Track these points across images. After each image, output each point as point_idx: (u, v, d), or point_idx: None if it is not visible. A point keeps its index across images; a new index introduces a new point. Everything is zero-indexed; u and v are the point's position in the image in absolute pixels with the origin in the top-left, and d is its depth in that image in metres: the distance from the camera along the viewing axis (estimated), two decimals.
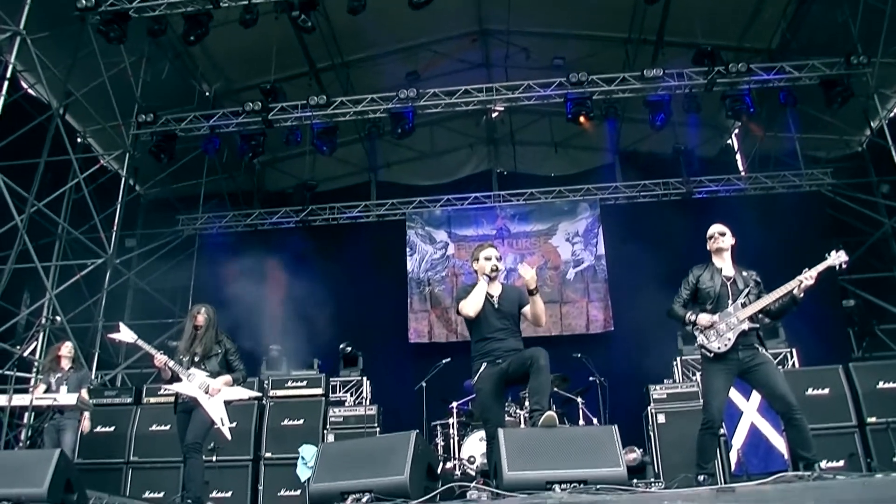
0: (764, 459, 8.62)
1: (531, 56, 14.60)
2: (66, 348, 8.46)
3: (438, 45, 14.91)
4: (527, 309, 5.78)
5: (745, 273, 5.63)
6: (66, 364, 8.34)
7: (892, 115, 13.56)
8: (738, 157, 16.50)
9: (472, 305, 5.67)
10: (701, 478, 5.17)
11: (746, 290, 5.46)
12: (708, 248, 5.80)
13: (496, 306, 5.74)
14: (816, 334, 10.56)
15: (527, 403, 8.13)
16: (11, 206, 10.37)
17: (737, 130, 16.21)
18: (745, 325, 5.36)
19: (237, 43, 13.42)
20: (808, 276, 5.21)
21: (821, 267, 5.29)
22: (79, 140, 13.67)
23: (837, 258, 5.32)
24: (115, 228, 12.96)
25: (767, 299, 5.37)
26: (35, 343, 11.66)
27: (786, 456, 8.51)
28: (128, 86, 12.96)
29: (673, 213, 14.30)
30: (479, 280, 5.81)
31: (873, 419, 8.28)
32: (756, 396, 8.72)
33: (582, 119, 13.20)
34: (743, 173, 15.70)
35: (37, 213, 11.53)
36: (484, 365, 5.60)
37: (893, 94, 13.40)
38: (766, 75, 12.84)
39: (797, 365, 9.69)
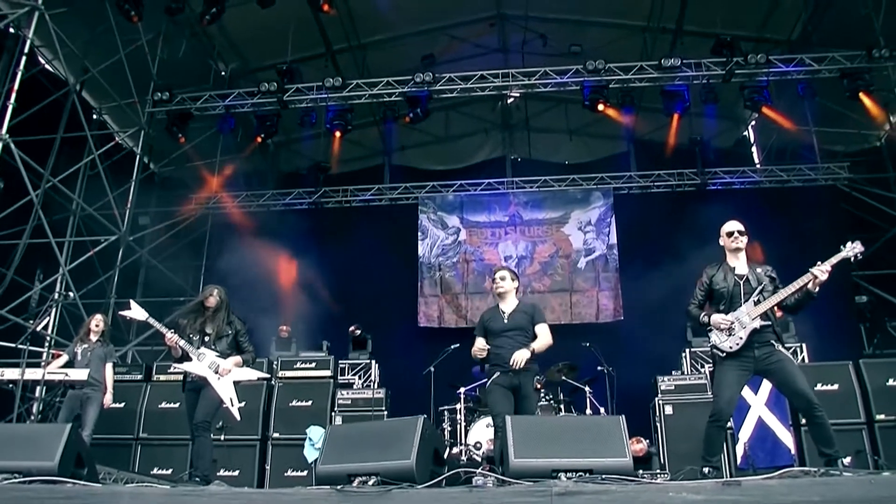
0: (770, 454, 8.62)
1: (548, 42, 14.50)
2: (96, 321, 8.46)
3: (455, 29, 14.84)
4: (538, 328, 6.22)
5: (759, 269, 5.53)
6: (94, 337, 8.36)
7: None
8: (753, 149, 16.37)
9: (475, 354, 6.23)
10: (706, 470, 5.17)
11: (760, 288, 5.38)
12: (723, 244, 5.68)
13: (505, 321, 6.21)
14: (827, 330, 10.52)
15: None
16: (27, 182, 10.42)
17: (753, 122, 16.08)
18: (757, 324, 5.30)
19: (254, 23, 13.40)
20: (822, 270, 5.14)
21: (834, 259, 5.21)
22: (94, 117, 13.68)
23: (852, 249, 5.22)
24: (128, 206, 13.00)
25: (779, 296, 5.31)
26: (47, 318, 11.74)
27: (792, 451, 8.52)
28: (144, 63, 12.97)
29: (687, 204, 14.23)
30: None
31: (882, 416, 8.26)
32: (764, 390, 8.71)
33: (601, 107, 13.14)
34: (758, 165, 15.59)
35: (52, 188, 11.58)
36: (497, 373, 6.06)
37: None
38: (786, 67, 12.71)
39: (807, 360, 9.68)
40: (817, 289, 5.20)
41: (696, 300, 5.67)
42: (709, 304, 5.63)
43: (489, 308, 6.52)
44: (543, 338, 6.16)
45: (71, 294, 11.49)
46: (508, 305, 6.31)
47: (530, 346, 6.02)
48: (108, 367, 8.28)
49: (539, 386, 6.07)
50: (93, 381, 7.97)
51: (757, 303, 5.34)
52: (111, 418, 9.30)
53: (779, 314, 5.69)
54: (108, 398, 8.31)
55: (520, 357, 5.88)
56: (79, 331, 8.64)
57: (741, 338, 5.32)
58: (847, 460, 5.62)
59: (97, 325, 8.44)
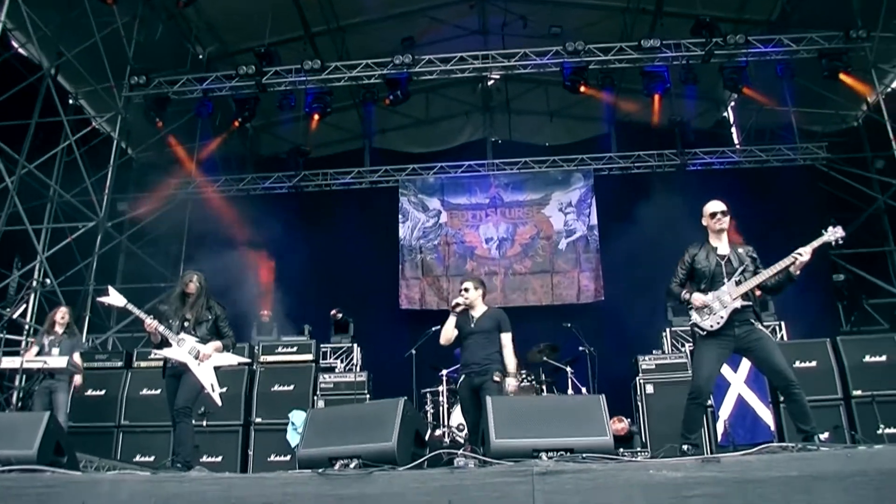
0: (750, 431, 8.71)
1: (529, 24, 14.46)
2: (61, 314, 8.47)
3: (435, 10, 14.74)
4: (503, 338, 6.69)
5: (740, 250, 5.56)
6: (59, 329, 8.36)
7: (889, 90, 13.52)
8: (733, 129, 16.45)
9: (442, 336, 6.84)
10: (686, 447, 5.21)
11: (741, 268, 5.41)
12: (706, 224, 5.68)
13: (472, 325, 6.71)
14: (806, 308, 10.61)
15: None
16: (2, 168, 10.30)
17: (733, 103, 16.14)
18: (738, 304, 5.34)
19: (232, 5, 13.30)
20: (803, 252, 5.18)
21: (816, 243, 5.24)
22: (70, 101, 13.53)
23: (833, 234, 5.25)
24: (106, 191, 12.88)
25: (761, 277, 5.34)
26: (25, 306, 11.64)
27: (772, 427, 8.62)
28: (120, 47, 12.82)
29: (667, 184, 14.28)
30: (451, 314, 6.79)
31: (859, 392, 8.36)
32: (744, 368, 8.80)
33: (583, 88, 13.15)
34: (738, 146, 15.67)
35: (28, 175, 11.45)
36: (463, 376, 6.65)
37: (891, 70, 13.35)
38: (764, 48, 12.77)
39: (786, 338, 9.77)
40: (798, 271, 5.24)
41: (677, 278, 5.69)
42: (690, 283, 5.65)
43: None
44: (509, 351, 6.65)
45: (48, 281, 11.39)
46: (477, 311, 6.80)
47: (511, 373, 6.57)
48: (76, 356, 8.28)
49: (497, 379, 6.44)
50: (60, 372, 7.98)
51: (738, 283, 5.37)
52: (92, 406, 9.29)
53: (758, 294, 5.72)
54: (78, 378, 8.31)
55: (513, 389, 6.54)
56: (44, 324, 8.62)
57: (722, 317, 5.36)
58: (824, 436, 5.69)
59: (62, 318, 8.43)
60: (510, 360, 6.59)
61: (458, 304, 6.74)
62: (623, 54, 13.03)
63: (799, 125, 14.48)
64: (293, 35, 14.47)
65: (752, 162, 14.79)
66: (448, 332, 6.76)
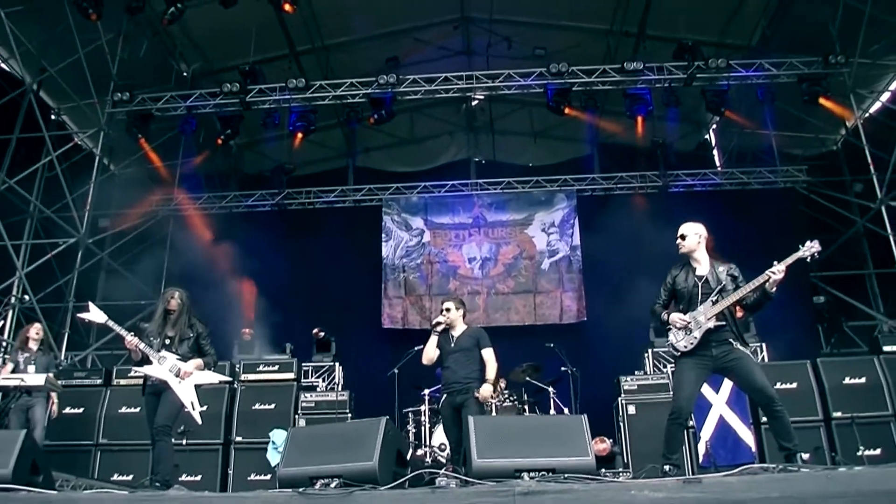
0: (732, 451, 8.73)
1: (513, 45, 14.58)
2: (35, 330, 8.38)
3: (420, 31, 14.82)
4: (484, 353, 6.93)
5: (721, 268, 5.58)
6: (34, 346, 8.26)
7: (867, 114, 13.71)
8: (714, 152, 16.60)
9: (425, 356, 7.10)
10: (667, 468, 5.22)
11: (719, 288, 5.44)
12: None
13: (452, 345, 6.97)
14: (786, 330, 10.69)
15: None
16: None
17: (715, 126, 16.31)
18: (712, 324, 5.37)
19: (217, 22, 13.28)
20: (777, 270, 5.21)
21: (790, 259, 5.27)
22: (52, 117, 13.46)
23: (809, 249, 5.28)
24: (87, 208, 12.80)
25: (735, 296, 5.36)
26: (3, 322, 11.51)
27: (753, 449, 8.64)
28: (104, 63, 12.78)
29: (649, 205, 14.39)
30: (432, 334, 7.06)
31: (839, 413, 8.43)
32: (725, 390, 8.83)
33: (567, 110, 13.26)
34: (719, 168, 15.80)
35: (8, 190, 11.38)
36: (445, 395, 6.92)
37: (869, 95, 13.54)
38: (746, 72, 12.93)
39: (766, 359, 9.81)
40: (774, 288, 5.26)
41: (660, 300, 5.75)
42: (673, 303, 5.69)
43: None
44: (491, 364, 6.87)
45: (27, 297, 11.28)
46: (457, 330, 7.06)
47: (489, 380, 6.79)
48: (51, 375, 8.15)
49: (477, 394, 6.69)
50: (37, 390, 7.89)
51: (714, 303, 5.41)
52: (70, 424, 9.17)
53: (740, 314, 5.75)
54: (54, 408, 8.27)
55: (487, 394, 6.72)
56: (18, 339, 8.52)
57: (695, 337, 5.41)
58: (805, 456, 5.71)
59: (37, 334, 8.34)
60: (491, 371, 6.81)
61: (438, 324, 6.98)
62: (606, 76, 13.15)
63: (779, 148, 14.64)
64: (278, 53, 14.48)
65: (733, 184, 14.91)
66: (430, 352, 6.96)
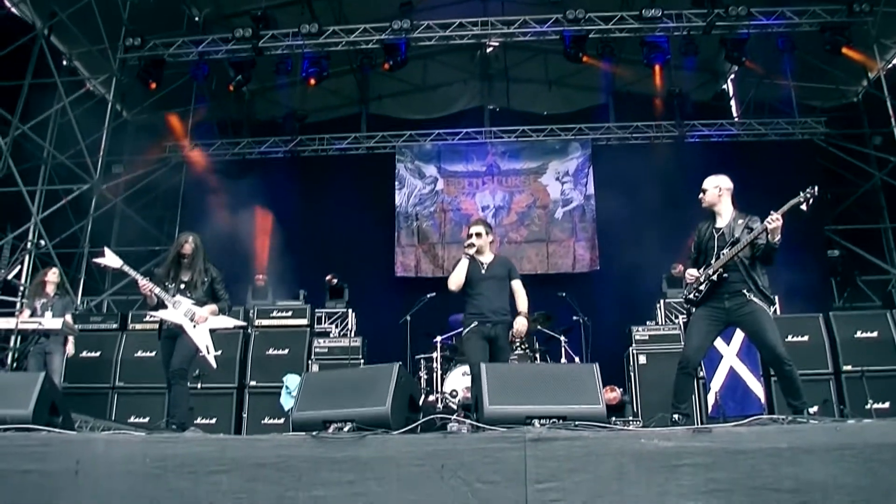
0: (741, 403, 8.78)
1: None
2: (53, 274, 8.46)
3: None
4: (514, 284, 6.56)
5: (740, 221, 5.50)
6: (51, 290, 8.35)
7: (890, 65, 13.44)
8: (732, 102, 16.37)
9: (452, 281, 6.49)
10: (675, 416, 5.26)
11: (732, 241, 5.40)
12: None
13: (483, 272, 6.46)
14: (800, 283, 10.63)
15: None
16: None
17: (733, 75, 16.05)
18: (715, 276, 5.36)
19: None
20: (773, 219, 5.14)
21: (785, 207, 5.18)
22: (64, 63, 13.37)
23: (804, 195, 5.19)
24: (101, 154, 12.81)
25: (738, 247, 5.32)
26: (20, 267, 11.61)
27: (762, 400, 8.68)
28: (115, 8, 12.66)
29: (664, 156, 14.26)
30: (462, 257, 6.49)
31: (849, 367, 8.46)
32: (736, 341, 8.84)
33: (585, 59, 13.07)
34: (736, 119, 15.61)
35: (21, 136, 11.37)
36: (475, 323, 6.31)
37: (893, 45, 13.24)
38: (766, 20, 12.67)
39: (779, 312, 9.79)
40: (777, 237, 5.19)
41: (691, 257, 5.74)
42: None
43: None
44: (523, 296, 6.54)
45: (43, 243, 11.36)
46: (486, 257, 6.56)
47: (523, 313, 6.43)
48: (68, 318, 8.26)
49: (513, 338, 6.43)
50: (54, 333, 7.99)
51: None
52: (87, 367, 9.32)
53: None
54: (70, 348, 8.34)
55: (522, 329, 6.37)
56: (31, 286, 8.59)
57: (701, 290, 5.42)
58: (814, 409, 5.74)
59: (55, 278, 8.40)
60: (524, 302, 6.52)
61: (471, 245, 6.46)
62: (624, 23, 12.92)
63: (798, 99, 14.42)
64: None
65: (750, 135, 14.75)
66: (459, 277, 6.43)
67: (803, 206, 5.23)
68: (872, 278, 13.61)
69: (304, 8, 14.29)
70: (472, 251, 6.43)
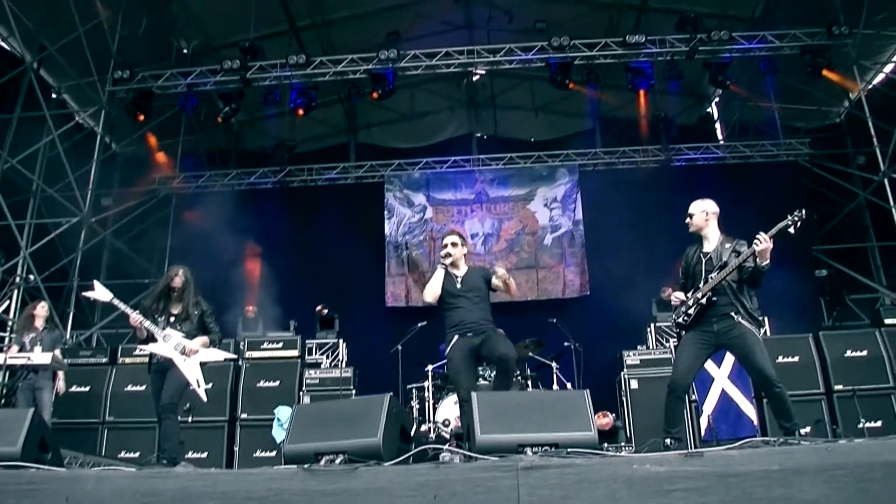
0: (733, 425, 8.78)
1: (514, 19, 14.46)
2: (41, 308, 8.41)
3: (420, 5, 14.70)
4: (495, 282, 6.33)
5: (727, 245, 5.56)
6: (39, 324, 8.30)
7: (870, 86, 13.63)
8: (717, 125, 16.54)
9: (429, 292, 6.37)
10: (668, 441, 5.26)
11: (720, 265, 5.45)
12: None
13: (458, 286, 6.30)
14: (789, 303, 10.70)
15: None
16: None
17: (717, 99, 16.23)
18: (704, 300, 5.40)
19: None
20: (761, 239, 5.18)
21: (774, 230, 5.24)
22: (53, 96, 13.41)
23: (792, 218, 5.25)
24: (90, 187, 12.79)
25: (726, 272, 5.37)
26: (8, 302, 11.55)
27: (755, 422, 8.69)
28: (104, 41, 12.71)
29: (651, 180, 14.36)
30: (438, 267, 6.38)
31: (840, 387, 8.48)
32: (727, 364, 8.87)
33: (571, 84, 13.19)
34: (722, 141, 15.75)
35: (10, 169, 11.36)
36: (456, 336, 6.12)
37: (873, 66, 13.44)
38: (748, 44, 12.84)
39: (769, 333, 9.83)
40: (767, 261, 5.23)
41: (680, 282, 5.78)
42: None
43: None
44: (511, 281, 6.39)
45: (32, 277, 11.30)
46: (461, 271, 6.45)
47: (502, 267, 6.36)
48: (57, 353, 8.20)
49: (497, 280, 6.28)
50: (43, 368, 7.94)
51: (712, 279, 5.44)
52: (76, 402, 9.23)
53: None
54: (60, 384, 8.28)
55: (502, 270, 6.28)
56: (20, 320, 8.55)
57: (690, 314, 5.44)
58: (805, 430, 5.75)
59: (44, 312, 8.36)
60: (511, 283, 6.39)
61: (448, 255, 6.37)
62: (608, 50, 13.07)
63: (782, 121, 14.60)
64: (278, 29, 14.40)
65: (735, 157, 14.88)
66: (436, 288, 6.31)
67: (791, 230, 5.27)
68: (861, 297, 13.69)
69: (292, 38, 14.42)
70: (448, 261, 6.35)
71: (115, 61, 13.12)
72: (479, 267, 6.76)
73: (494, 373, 6.09)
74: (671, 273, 6.96)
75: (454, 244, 6.43)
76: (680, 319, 5.55)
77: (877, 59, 13.46)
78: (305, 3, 13.94)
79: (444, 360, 9.36)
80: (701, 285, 5.46)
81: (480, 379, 8.51)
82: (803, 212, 5.23)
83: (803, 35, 12.67)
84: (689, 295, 5.51)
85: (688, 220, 5.72)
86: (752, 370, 5.37)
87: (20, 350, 8.03)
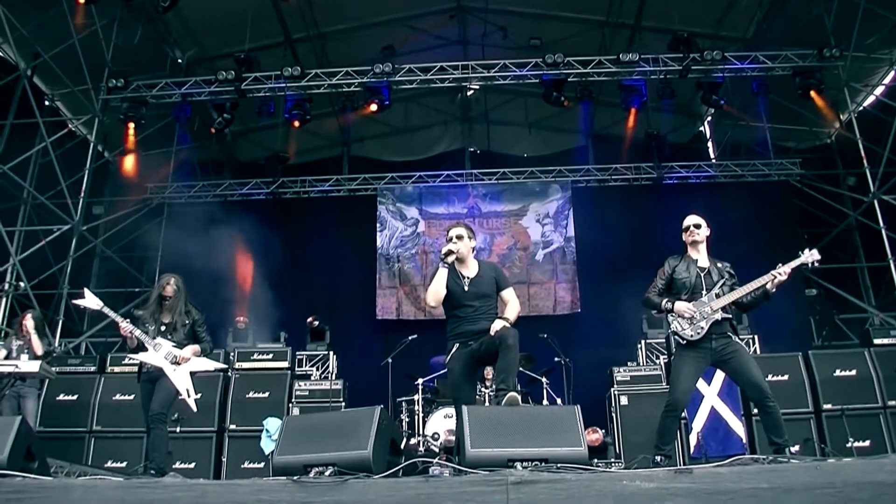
0: (722, 443, 8.80)
1: (508, 35, 14.54)
2: (29, 321, 8.35)
3: (415, 20, 14.78)
4: (505, 294, 5.72)
5: (719, 265, 5.67)
6: (28, 332, 8.25)
7: (860, 108, 13.75)
8: (709, 144, 16.65)
9: (432, 293, 5.59)
10: (658, 458, 5.27)
11: (721, 282, 5.51)
12: (683, 239, 5.80)
13: (466, 288, 5.59)
14: (779, 322, 10.73)
15: (489, 382, 8.36)
16: None
17: (709, 118, 16.34)
18: (718, 315, 5.43)
19: (212, 10, 13.25)
20: (782, 272, 5.27)
21: (794, 263, 5.36)
22: (46, 103, 13.39)
23: (810, 256, 5.39)
24: (82, 194, 12.75)
25: (741, 291, 5.42)
26: None
27: (744, 440, 8.70)
28: (98, 49, 12.71)
29: (643, 197, 14.43)
30: (440, 266, 5.56)
31: (829, 406, 8.50)
32: (717, 381, 8.89)
33: (565, 102, 13.26)
34: (713, 160, 15.85)
35: (1, 176, 11.32)
36: (456, 346, 5.57)
37: (863, 88, 13.58)
38: (740, 64, 12.95)
39: (758, 351, 9.89)
40: (774, 289, 5.32)
41: (656, 288, 5.73)
42: (667, 293, 5.70)
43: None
44: (514, 306, 5.66)
45: (22, 284, 11.25)
46: (469, 269, 5.70)
47: (506, 318, 5.46)
48: (45, 362, 8.15)
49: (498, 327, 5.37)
50: (30, 376, 7.90)
51: (718, 296, 5.46)
52: (63, 411, 9.17)
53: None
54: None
55: (498, 326, 5.33)
56: (13, 327, 8.51)
57: (703, 327, 5.43)
58: (794, 449, 5.76)
59: (31, 323, 8.31)
60: (513, 311, 5.59)
61: (450, 252, 5.48)
62: (602, 67, 13.15)
63: (773, 141, 14.69)
64: (273, 41, 14.46)
65: (727, 176, 14.96)
66: (439, 290, 5.51)
67: (809, 266, 5.48)
68: (850, 316, 13.74)
69: (287, 51, 14.46)
70: (451, 259, 5.52)
71: (110, 70, 13.11)
72: (490, 265, 5.96)
73: (496, 363, 5.40)
74: None
75: (459, 237, 5.63)
76: (691, 333, 5.49)
77: (867, 81, 13.59)
78: (301, 16, 13.98)
79: (434, 374, 9.44)
80: (706, 300, 5.47)
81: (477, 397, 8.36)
82: (815, 252, 5.39)
83: (795, 56, 12.79)
84: (694, 305, 5.50)
85: (694, 229, 5.70)
86: (748, 385, 5.39)
87: (6, 356, 7.98)
